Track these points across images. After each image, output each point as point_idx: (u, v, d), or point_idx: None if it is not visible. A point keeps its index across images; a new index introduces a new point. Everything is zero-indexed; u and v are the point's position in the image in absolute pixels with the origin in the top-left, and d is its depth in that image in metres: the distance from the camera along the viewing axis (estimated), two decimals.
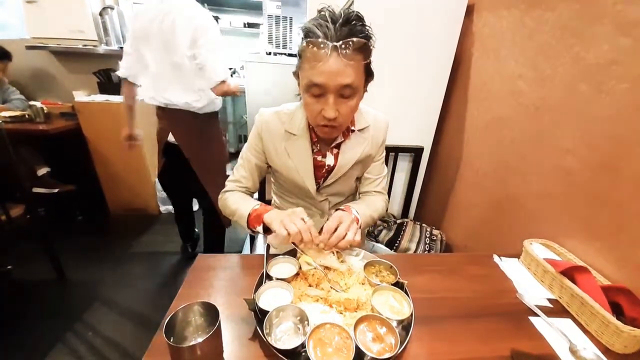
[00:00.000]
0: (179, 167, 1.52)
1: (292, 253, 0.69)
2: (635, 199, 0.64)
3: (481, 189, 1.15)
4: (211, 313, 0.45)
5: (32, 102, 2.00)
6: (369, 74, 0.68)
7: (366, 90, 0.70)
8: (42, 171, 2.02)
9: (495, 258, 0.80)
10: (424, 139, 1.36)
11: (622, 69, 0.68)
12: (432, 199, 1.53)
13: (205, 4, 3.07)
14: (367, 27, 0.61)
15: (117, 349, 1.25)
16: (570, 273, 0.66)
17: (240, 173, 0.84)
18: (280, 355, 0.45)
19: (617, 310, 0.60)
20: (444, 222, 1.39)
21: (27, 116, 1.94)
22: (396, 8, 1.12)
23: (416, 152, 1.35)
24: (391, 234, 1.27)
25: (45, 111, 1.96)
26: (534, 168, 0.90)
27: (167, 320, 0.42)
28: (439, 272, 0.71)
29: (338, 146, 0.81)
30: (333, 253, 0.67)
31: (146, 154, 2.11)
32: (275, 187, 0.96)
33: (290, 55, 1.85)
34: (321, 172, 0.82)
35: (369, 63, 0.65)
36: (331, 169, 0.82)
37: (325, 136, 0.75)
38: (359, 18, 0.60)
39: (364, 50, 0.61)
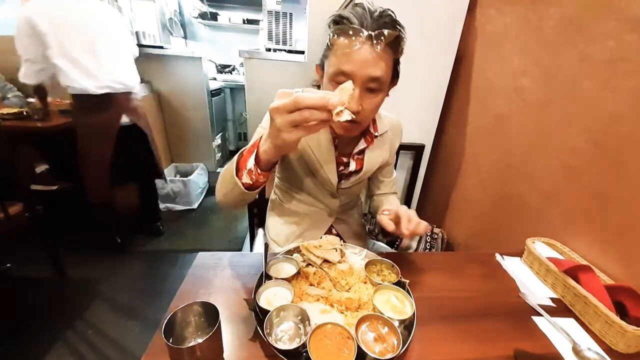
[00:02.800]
0: (132, 149, 1.69)
1: (292, 252, 0.69)
2: None
3: (483, 187, 1.14)
4: (211, 313, 0.44)
5: (30, 100, 1.98)
6: (395, 75, 0.66)
7: (388, 95, 0.68)
8: (41, 168, 2.01)
9: (498, 257, 0.79)
10: (426, 137, 1.35)
11: (628, 66, 0.67)
12: (433, 197, 1.53)
13: (205, 0, 3.05)
14: (400, 26, 0.61)
15: (118, 348, 1.25)
16: (574, 272, 0.65)
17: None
18: (281, 355, 0.44)
19: (621, 310, 0.59)
20: (445, 220, 1.38)
21: (25, 113, 1.92)
22: (398, 4, 1.10)
23: (417, 149, 1.34)
24: None
25: (45, 109, 1.95)
26: (537, 166, 0.89)
27: (166, 321, 0.41)
28: (440, 271, 0.70)
29: (361, 152, 0.80)
30: (336, 250, 0.67)
31: None
32: (281, 181, 0.92)
33: (290, 51, 1.83)
34: (340, 171, 0.81)
35: (398, 60, 0.64)
36: (353, 173, 0.81)
37: (343, 133, 0.72)
38: (394, 16, 0.61)
39: (396, 45, 0.61)
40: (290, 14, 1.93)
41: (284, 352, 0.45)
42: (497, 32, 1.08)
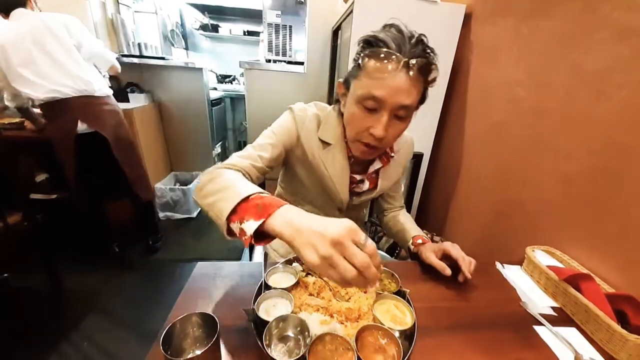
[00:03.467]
0: (96, 158, 1.60)
1: (291, 261, 0.69)
2: (638, 203, 0.64)
3: (482, 196, 1.15)
4: (210, 324, 0.44)
5: (30, 109, 2.00)
6: (421, 102, 0.65)
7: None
8: (41, 177, 2.01)
9: (498, 265, 0.79)
10: (424, 146, 1.36)
11: (621, 76, 0.69)
12: (432, 206, 1.53)
13: (206, 12, 3.12)
14: (433, 54, 0.59)
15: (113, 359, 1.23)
16: (574, 280, 0.65)
17: (257, 152, 0.68)
18: None
19: (622, 319, 0.59)
20: (445, 228, 1.38)
21: (25, 123, 1.94)
22: (394, 17, 1.13)
23: (416, 158, 1.35)
24: (391, 241, 1.26)
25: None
26: (534, 174, 0.90)
27: (164, 332, 0.41)
28: (441, 280, 0.69)
29: (376, 172, 0.79)
30: None
31: (145, 157, 2.11)
32: (285, 191, 0.88)
33: (289, 62, 1.87)
34: (352, 188, 0.79)
35: (427, 87, 0.62)
36: (365, 191, 0.81)
37: (362, 156, 0.70)
38: (426, 41, 0.59)
39: (429, 74, 0.59)
40: (290, 27, 1.97)
41: None
42: (492, 44, 1.11)
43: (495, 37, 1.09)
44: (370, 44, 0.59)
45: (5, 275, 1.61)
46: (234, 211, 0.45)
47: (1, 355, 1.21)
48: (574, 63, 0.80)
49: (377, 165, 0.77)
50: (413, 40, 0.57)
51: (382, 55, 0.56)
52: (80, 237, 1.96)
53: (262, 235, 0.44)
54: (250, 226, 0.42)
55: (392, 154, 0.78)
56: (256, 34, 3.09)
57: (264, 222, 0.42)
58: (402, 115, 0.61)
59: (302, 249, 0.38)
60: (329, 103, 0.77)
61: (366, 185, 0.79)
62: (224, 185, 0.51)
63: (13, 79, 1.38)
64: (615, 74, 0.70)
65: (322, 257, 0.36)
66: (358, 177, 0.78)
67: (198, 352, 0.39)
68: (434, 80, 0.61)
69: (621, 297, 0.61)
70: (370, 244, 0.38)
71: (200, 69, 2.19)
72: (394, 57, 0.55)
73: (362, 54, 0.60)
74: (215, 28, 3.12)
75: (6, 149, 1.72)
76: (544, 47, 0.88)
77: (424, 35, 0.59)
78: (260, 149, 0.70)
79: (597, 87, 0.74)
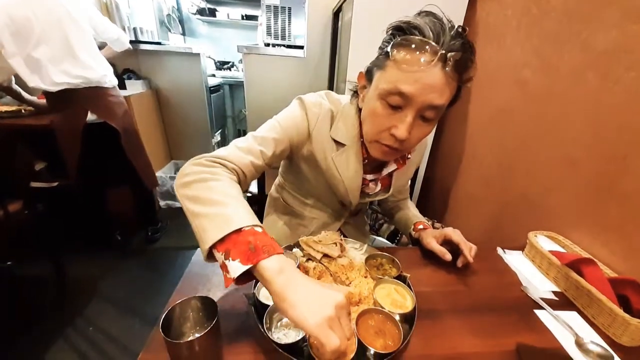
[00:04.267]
0: (103, 148, 1.59)
1: (291, 247, 0.68)
2: None
3: (484, 182, 1.13)
4: (209, 308, 0.43)
5: (28, 97, 1.97)
6: (452, 103, 0.57)
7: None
8: (40, 166, 2.01)
9: (499, 251, 0.79)
10: None
11: (631, 57, 0.66)
12: (433, 192, 1.52)
13: None
14: (473, 48, 0.51)
15: (118, 345, 1.25)
16: (576, 265, 0.65)
17: (259, 147, 0.60)
18: (280, 350, 0.44)
19: (624, 303, 0.58)
20: (445, 215, 1.38)
21: (23, 111, 1.91)
22: None
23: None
24: (392, 227, 1.25)
25: (44, 107, 1.94)
26: (539, 159, 0.89)
27: (164, 316, 0.41)
28: (441, 265, 0.69)
29: (390, 174, 0.74)
30: (336, 244, 0.66)
31: (145, 145, 2.09)
32: (288, 183, 0.84)
33: (289, 46, 1.82)
34: (364, 190, 0.75)
35: (461, 88, 0.54)
36: (376, 193, 0.77)
37: (382, 157, 0.63)
38: (466, 36, 0.50)
39: (466, 71, 0.51)
40: (289, 9, 1.91)
41: (284, 347, 0.44)
42: (498, 24, 1.07)
43: (502, 18, 1.05)
44: (403, 31, 0.50)
45: (9, 263, 1.62)
46: (220, 240, 0.40)
47: (8, 342, 1.23)
48: (584, 43, 0.77)
49: (391, 167, 0.71)
50: (453, 32, 0.48)
51: (416, 45, 0.48)
52: (82, 225, 1.97)
53: (247, 274, 0.39)
54: (236, 268, 0.38)
55: (409, 156, 0.73)
56: (255, 18, 3.00)
57: (252, 267, 0.38)
58: (430, 116, 0.53)
59: (298, 311, 0.36)
60: (330, 88, 0.71)
61: (378, 187, 0.75)
62: (214, 199, 0.45)
63: (20, 62, 1.29)
64: (625, 54, 0.67)
65: (330, 319, 0.35)
66: (370, 177, 0.73)
67: (198, 335, 0.39)
68: (470, 79, 0.52)
69: (624, 281, 0.60)
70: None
71: (198, 55, 2.14)
72: (429, 47, 0.47)
73: (391, 42, 0.51)
74: (212, 12, 3.03)
75: (4, 137, 1.70)
76: (554, 27, 0.85)
77: (464, 28, 0.50)
78: (263, 143, 0.61)
79: (606, 68, 0.71)
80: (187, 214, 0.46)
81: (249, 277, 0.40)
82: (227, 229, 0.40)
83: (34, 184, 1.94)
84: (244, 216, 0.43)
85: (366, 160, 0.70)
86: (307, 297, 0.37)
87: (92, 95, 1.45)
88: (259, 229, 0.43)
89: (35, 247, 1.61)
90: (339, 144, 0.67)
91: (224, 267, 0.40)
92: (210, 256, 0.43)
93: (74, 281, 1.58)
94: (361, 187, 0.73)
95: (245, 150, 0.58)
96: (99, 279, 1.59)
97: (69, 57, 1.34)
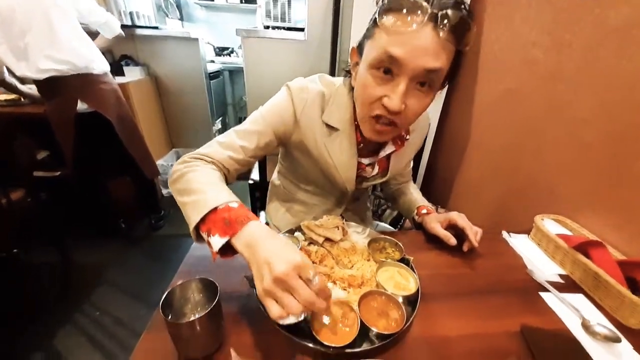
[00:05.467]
0: (96, 138, 1.55)
1: (293, 231, 0.67)
2: None
3: (489, 165, 1.11)
4: (210, 289, 0.43)
5: (28, 85, 1.95)
6: (453, 73, 0.52)
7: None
8: (42, 155, 2.00)
9: (504, 234, 0.78)
10: (430, 115, 1.31)
11: None
12: (437, 177, 1.50)
13: None
14: (468, 10, 0.47)
15: (125, 328, 1.27)
16: (584, 248, 0.63)
17: (239, 141, 0.60)
18: (282, 330, 0.43)
19: (633, 286, 0.57)
20: (450, 200, 1.36)
21: (22, 99, 1.90)
22: None
23: None
24: (395, 213, 1.24)
25: None
26: (547, 141, 0.86)
27: (164, 297, 0.40)
28: (445, 249, 0.68)
29: (388, 156, 0.70)
30: (338, 228, 0.65)
31: (145, 133, 2.08)
32: (286, 169, 0.82)
33: (289, 29, 1.76)
34: (359, 173, 0.72)
35: (460, 54, 0.50)
36: (373, 176, 0.74)
37: (376, 137, 0.58)
38: None
39: (463, 34, 0.46)
40: None
41: (285, 328, 0.44)
42: (507, 2, 1.02)
43: None
44: None
45: (15, 251, 1.65)
46: (202, 221, 0.44)
47: (18, 327, 1.26)
48: (597, 20, 0.73)
49: (389, 149, 0.68)
50: None
51: (404, 5, 0.45)
52: (85, 214, 1.98)
53: (230, 248, 0.43)
54: (216, 242, 0.41)
55: (407, 137, 0.68)
56: (254, 1, 2.91)
57: (229, 239, 0.41)
58: (427, 84, 0.49)
59: (255, 277, 0.39)
60: (332, 73, 0.67)
61: (375, 170, 0.71)
62: (194, 188, 0.49)
63: (7, 51, 1.27)
64: (639, 31, 0.63)
65: (265, 290, 0.36)
66: (366, 161, 0.70)
67: (198, 316, 0.38)
68: (468, 42, 0.48)
69: (633, 264, 0.59)
70: (318, 281, 0.37)
71: (196, 39, 2.09)
72: (419, 7, 0.44)
73: (379, 8, 0.49)
74: None
75: (4, 126, 1.70)
76: (566, 3, 0.81)
77: None
78: (244, 137, 0.61)
79: (619, 45, 0.68)
80: (178, 204, 0.51)
81: (233, 250, 0.43)
82: (204, 211, 0.44)
83: (37, 173, 1.95)
84: (218, 196, 0.46)
85: (361, 145, 0.66)
86: (261, 265, 0.38)
87: (81, 83, 1.40)
88: (234, 204, 0.45)
89: (40, 235, 1.63)
90: (331, 128, 0.64)
91: (209, 244, 0.43)
92: (199, 238, 0.46)
93: (80, 268, 1.60)
94: (357, 172, 0.70)
95: (224, 146, 0.60)
96: (104, 266, 1.61)
97: (53, 42, 1.29)
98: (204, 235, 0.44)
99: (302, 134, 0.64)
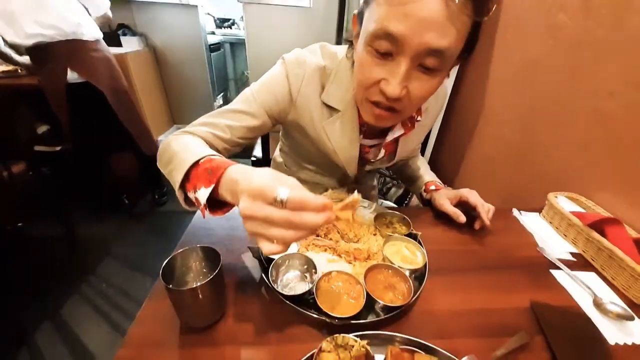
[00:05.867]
0: (90, 111, 1.50)
1: None
2: None
3: (502, 141, 1.07)
4: (213, 258, 0.41)
5: (25, 57, 1.88)
6: (469, 47, 0.44)
7: (448, 75, 0.48)
8: (42, 129, 1.98)
9: (515, 212, 0.75)
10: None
11: None
12: (446, 153, 1.45)
13: None
14: None
15: (130, 298, 1.30)
16: (599, 226, 0.61)
17: (224, 120, 0.56)
18: (286, 301, 0.42)
19: None
20: (458, 177, 1.33)
21: (19, 71, 1.84)
22: None
23: None
24: (401, 191, 1.22)
25: None
26: (567, 114, 0.81)
27: (165, 264, 0.39)
28: (454, 225, 0.66)
29: (396, 139, 0.63)
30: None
31: (145, 108, 2.04)
32: (288, 148, 0.77)
33: None
34: (363, 155, 0.66)
35: (479, 26, 0.41)
36: (379, 159, 0.68)
37: (372, 122, 0.52)
38: None
39: (489, 11, 0.39)
40: None
41: (290, 298, 0.42)
42: None
43: None
44: None
45: (20, 224, 1.66)
46: (186, 179, 0.41)
47: (25, 299, 1.29)
48: None
49: (397, 132, 0.61)
50: None
51: None
52: (87, 188, 1.98)
53: (219, 204, 0.40)
54: (202, 194, 0.38)
55: (419, 118, 0.61)
56: None
57: (214, 187, 0.37)
58: (432, 66, 0.41)
59: (240, 202, 0.33)
60: (338, 42, 0.59)
61: (382, 153, 0.65)
62: (175, 151, 0.46)
63: None
64: None
65: (249, 233, 0.33)
66: (371, 142, 0.64)
67: (200, 284, 0.37)
68: (489, 9, 0.39)
69: None
70: (291, 197, 0.30)
71: (195, 7, 1.99)
72: None
73: None
74: None
75: (3, 98, 1.66)
76: None
77: None
78: (231, 117, 0.56)
79: None
80: (168, 179, 0.47)
81: (221, 206, 0.40)
82: (185, 167, 0.41)
83: (38, 148, 1.93)
84: (197, 151, 0.43)
85: (365, 127, 0.61)
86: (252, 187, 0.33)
87: (70, 49, 1.33)
88: (215, 157, 0.42)
89: (44, 209, 1.63)
90: (331, 109, 0.58)
91: (197, 201, 0.39)
92: (187, 201, 0.43)
93: (84, 242, 1.62)
94: (362, 154, 0.65)
95: (210, 125, 0.55)
96: (108, 240, 1.62)
97: (41, 7, 1.23)
98: (191, 196, 0.41)
99: (298, 114, 0.59)
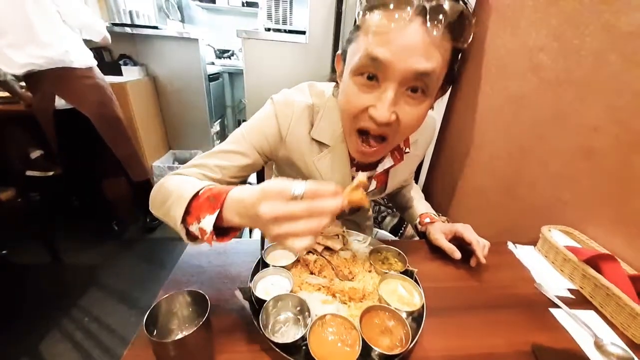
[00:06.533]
0: (78, 136, 1.55)
1: None
2: None
3: (493, 173, 1.09)
4: (200, 303, 0.39)
5: (22, 84, 1.91)
6: (452, 74, 0.46)
7: (432, 107, 0.50)
8: (36, 154, 1.96)
9: (510, 245, 0.75)
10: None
11: None
12: (439, 184, 1.47)
13: None
14: (465, 1, 0.42)
15: (113, 335, 1.23)
16: (595, 262, 0.60)
17: (215, 160, 0.56)
18: (278, 350, 0.40)
19: None
20: (451, 208, 1.33)
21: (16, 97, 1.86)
22: None
23: None
24: (396, 220, 1.21)
25: None
26: (553, 149, 0.84)
27: (148, 313, 0.37)
28: (449, 260, 0.65)
29: (386, 171, 0.65)
30: (338, 236, 0.62)
31: (142, 134, 2.05)
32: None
33: (290, 31, 1.74)
34: None
35: (458, 53, 0.44)
36: (371, 191, 0.68)
37: (359, 158, 0.54)
38: None
39: (460, 29, 0.41)
40: None
41: (282, 346, 0.40)
42: (513, 5, 1.00)
43: None
44: None
45: (4, 251, 1.60)
46: (187, 212, 0.41)
47: (3, 331, 1.21)
48: (606, 24, 0.71)
49: (387, 163, 0.62)
50: None
51: (388, 0, 0.40)
52: (77, 214, 1.94)
53: (224, 231, 0.40)
54: (208, 222, 0.38)
55: (407, 150, 0.62)
56: (256, 5, 2.90)
57: (220, 212, 0.38)
58: (418, 89, 0.43)
59: (263, 231, 0.35)
60: (333, 79, 0.59)
61: (373, 185, 0.66)
62: (170, 190, 0.46)
63: None
64: None
65: (273, 238, 0.33)
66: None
67: (186, 333, 0.35)
68: (466, 37, 0.42)
69: None
70: (307, 189, 0.32)
71: (196, 40, 2.07)
72: (404, 0, 0.39)
73: (359, 10, 0.44)
74: None
75: None
76: (573, 7, 0.79)
77: None
78: (222, 157, 0.57)
79: (630, 50, 0.66)
80: (164, 221, 0.47)
81: (227, 233, 0.40)
82: (186, 201, 0.41)
83: (30, 173, 1.91)
84: (195, 185, 0.43)
85: (355, 161, 0.62)
86: (255, 220, 0.34)
87: (59, 77, 1.35)
88: (213, 185, 0.44)
89: (31, 236, 1.58)
90: (321, 144, 0.59)
91: (202, 232, 0.39)
92: (189, 237, 0.43)
93: (70, 270, 1.55)
94: None
95: (200, 167, 0.56)
96: (96, 268, 1.56)
97: (32, 40, 1.27)
98: (194, 229, 0.40)
99: (289, 151, 0.60)
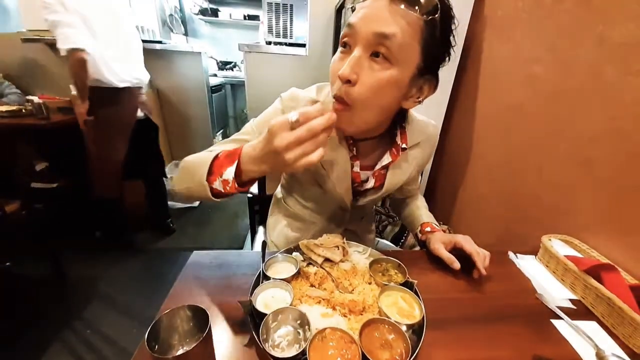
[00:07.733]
0: (143, 141, 1.77)
1: (291, 250, 0.65)
2: None
3: (492, 182, 1.09)
4: (201, 317, 0.40)
5: (29, 97, 1.96)
6: (427, 58, 0.49)
7: (419, 101, 0.55)
8: (41, 166, 1.99)
9: (511, 255, 0.75)
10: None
11: None
12: (439, 193, 1.48)
13: None
14: None
15: (116, 348, 1.22)
16: (596, 271, 0.60)
17: (226, 146, 0.61)
18: None
19: None
20: (452, 217, 1.33)
21: (23, 111, 1.90)
22: None
23: None
24: (397, 229, 1.22)
25: (46, 107, 1.91)
26: (551, 159, 0.84)
27: (150, 329, 0.37)
28: (450, 270, 0.65)
29: (385, 168, 0.67)
30: (338, 248, 0.62)
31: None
32: (288, 184, 0.81)
33: (290, 44, 1.78)
34: (355, 187, 0.70)
35: (432, 26, 0.47)
36: (370, 190, 0.70)
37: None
38: None
39: (429, 7, 0.45)
40: (291, 6, 1.87)
41: None
42: (508, 17, 1.03)
43: (512, 10, 1.01)
44: None
45: (8, 264, 1.60)
46: (210, 172, 0.50)
47: (5, 344, 1.21)
48: (600, 36, 0.73)
49: (385, 160, 0.65)
50: None
51: None
52: (82, 225, 1.95)
53: (242, 183, 0.49)
54: (229, 172, 0.47)
55: (403, 145, 0.64)
56: (257, 18, 2.98)
57: (238, 163, 0.47)
58: (381, 55, 0.47)
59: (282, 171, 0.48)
60: None
61: (371, 183, 0.68)
62: (192, 162, 0.55)
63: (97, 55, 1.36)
64: None
65: (289, 163, 0.41)
66: (363, 174, 0.68)
67: (187, 349, 0.35)
68: (430, 9, 0.45)
69: None
70: (300, 113, 0.40)
71: (199, 53, 2.12)
72: None
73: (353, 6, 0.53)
74: (214, 12, 3.02)
75: (3, 137, 1.69)
76: (567, 20, 0.81)
77: None
78: (233, 143, 0.62)
79: (625, 61, 0.67)
80: (188, 194, 0.56)
81: (245, 184, 0.50)
82: (208, 161, 0.50)
83: (35, 185, 1.93)
84: (213, 152, 0.53)
85: (356, 156, 0.65)
86: (271, 159, 0.44)
87: (138, 93, 1.60)
88: (227, 146, 0.55)
89: (34, 248, 1.59)
90: None
91: (224, 184, 0.48)
92: (215, 194, 0.51)
93: (74, 281, 1.56)
94: (354, 186, 0.68)
95: (212, 151, 0.59)
96: (99, 280, 1.57)
97: (128, 57, 1.50)
98: (217, 185, 0.49)
99: None
